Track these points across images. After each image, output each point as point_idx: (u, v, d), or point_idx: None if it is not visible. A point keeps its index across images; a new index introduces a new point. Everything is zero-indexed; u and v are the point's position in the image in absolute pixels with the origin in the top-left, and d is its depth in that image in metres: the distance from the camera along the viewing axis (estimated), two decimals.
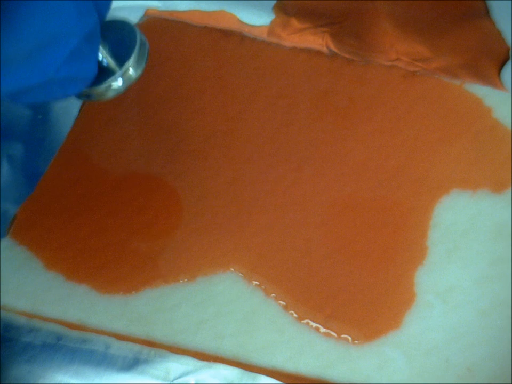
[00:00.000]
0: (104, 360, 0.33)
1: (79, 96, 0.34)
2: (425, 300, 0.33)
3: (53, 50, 0.28)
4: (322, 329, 0.33)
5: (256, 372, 0.32)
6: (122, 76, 0.33)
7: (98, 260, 0.34)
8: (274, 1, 0.41)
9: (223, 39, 0.40)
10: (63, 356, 0.33)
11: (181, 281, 0.34)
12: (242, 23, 0.40)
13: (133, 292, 0.34)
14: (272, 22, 0.40)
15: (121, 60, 0.34)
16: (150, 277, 0.34)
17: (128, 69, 0.33)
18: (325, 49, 0.39)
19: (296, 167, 0.37)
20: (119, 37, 0.34)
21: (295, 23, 0.40)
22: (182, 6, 0.41)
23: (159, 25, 0.40)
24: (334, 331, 0.33)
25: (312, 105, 0.38)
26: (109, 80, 0.33)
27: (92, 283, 0.34)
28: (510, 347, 0.32)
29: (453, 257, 0.34)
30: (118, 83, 0.33)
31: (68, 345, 0.33)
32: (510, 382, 0.31)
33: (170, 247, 0.34)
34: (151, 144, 0.37)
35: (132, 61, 0.34)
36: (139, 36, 0.34)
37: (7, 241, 0.35)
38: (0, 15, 0.27)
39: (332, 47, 0.39)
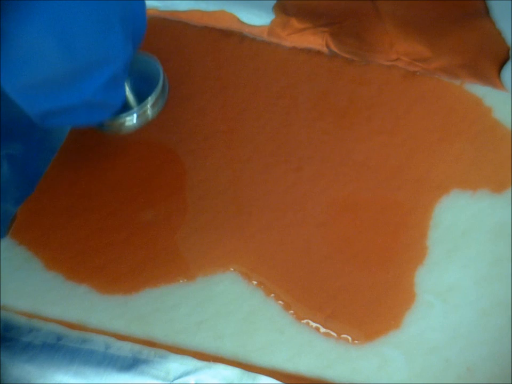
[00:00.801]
0: (104, 360, 0.32)
1: (96, 124, 0.34)
2: (425, 300, 0.33)
3: (97, 72, 0.29)
4: (322, 329, 0.33)
5: (256, 372, 0.32)
6: (138, 114, 0.34)
7: (98, 260, 0.34)
8: (274, 1, 0.41)
9: (223, 39, 0.40)
10: (63, 356, 0.33)
11: (181, 281, 0.34)
12: (242, 23, 0.40)
13: (133, 292, 0.34)
14: (272, 22, 0.40)
15: (140, 96, 0.34)
16: (150, 277, 0.34)
17: (146, 108, 0.34)
18: (325, 49, 0.40)
19: (296, 167, 0.37)
20: (142, 73, 0.34)
21: (295, 23, 0.40)
22: (182, 6, 0.41)
23: (159, 25, 0.40)
24: (334, 331, 0.33)
25: (312, 105, 0.38)
26: (124, 115, 0.34)
27: (92, 283, 0.34)
28: (510, 347, 0.32)
29: (453, 257, 0.34)
30: (133, 120, 0.34)
31: (68, 345, 0.33)
32: (510, 382, 0.31)
33: (170, 247, 0.34)
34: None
35: (150, 100, 0.34)
36: (162, 76, 0.34)
37: (7, 241, 0.35)
38: (52, 34, 0.27)
39: (332, 47, 0.39)
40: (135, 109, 0.34)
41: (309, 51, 0.39)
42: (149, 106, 0.34)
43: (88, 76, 0.29)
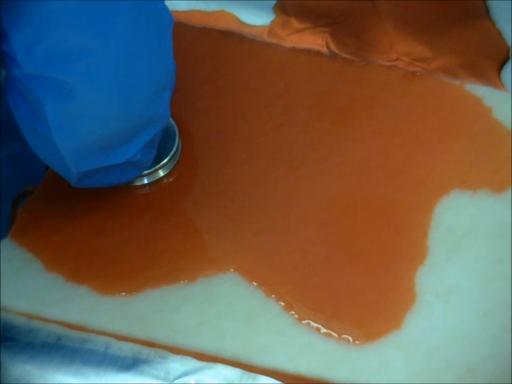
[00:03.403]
0: (104, 360, 0.32)
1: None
2: (426, 300, 0.33)
3: (145, 133, 0.30)
4: (323, 330, 0.33)
5: (257, 373, 0.32)
6: (149, 173, 0.35)
7: (98, 261, 0.34)
8: (274, 1, 0.41)
9: (222, 39, 0.40)
10: (63, 356, 0.33)
11: (182, 282, 0.34)
12: (242, 23, 0.40)
13: (134, 293, 0.33)
14: (272, 22, 0.40)
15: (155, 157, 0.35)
16: (151, 278, 0.34)
17: (157, 171, 0.36)
18: (325, 50, 0.39)
19: (296, 167, 0.37)
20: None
21: (295, 23, 0.40)
22: (182, 6, 0.41)
23: None
24: (334, 331, 0.33)
25: (312, 105, 0.38)
26: None
27: (92, 284, 0.34)
28: (511, 347, 0.32)
29: (454, 257, 0.34)
30: (143, 181, 0.36)
31: (68, 345, 0.33)
32: (510, 382, 0.31)
33: (170, 248, 0.34)
34: None
35: (163, 163, 0.36)
36: (178, 141, 0.36)
37: (7, 243, 0.35)
38: (116, 93, 0.27)
39: (332, 47, 0.39)
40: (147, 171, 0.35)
41: (308, 51, 0.39)
42: (161, 168, 0.36)
43: (137, 136, 0.29)
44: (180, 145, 0.36)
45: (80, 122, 0.28)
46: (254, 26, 0.40)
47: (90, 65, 0.26)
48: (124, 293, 0.33)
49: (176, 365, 0.32)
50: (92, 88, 0.27)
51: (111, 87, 0.27)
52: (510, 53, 0.39)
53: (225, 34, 0.40)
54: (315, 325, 0.33)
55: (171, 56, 0.30)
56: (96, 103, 0.27)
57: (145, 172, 0.35)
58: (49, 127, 0.28)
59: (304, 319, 0.33)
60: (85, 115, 0.28)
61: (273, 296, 0.33)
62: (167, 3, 0.40)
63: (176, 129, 0.36)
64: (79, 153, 0.29)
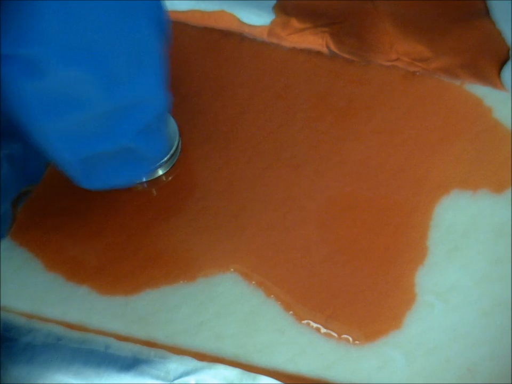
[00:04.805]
0: (104, 360, 0.33)
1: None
2: (426, 300, 0.33)
3: (134, 115, 0.29)
4: (323, 330, 0.33)
5: (257, 373, 0.32)
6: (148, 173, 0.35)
7: (98, 261, 0.34)
8: (274, 1, 0.41)
9: (223, 39, 0.40)
10: (63, 356, 0.33)
11: (181, 282, 0.34)
12: (242, 23, 0.40)
13: (134, 293, 0.34)
14: (272, 22, 0.40)
15: None
16: (151, 278, 0.34)
17: (156, 170, 0.36)
18: (325, 50, 0.40)
19: (296, 167, 0.37)
20: None
21: (295, 23, 0.40)
22: (182, 6, 0.41)
23: None
24: (334, 331, 0.33)
25: (312, 105, 0.38)
26: None
27: (93, 284, 0.34)
28: (510, 347, 0.32)
29: (454, 257, 0.34)
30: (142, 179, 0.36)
31: (68, 345, 0.33)
32: (510, 382, 0.31)
33: (170, 247, 0.34)
34: None
35: (162, 162, 0.35)
36: (178, 140, 0.36)
37: (7, 242, 0.35)
38: (95, 73, 0.27)
39: (332, 47, 0.39)
40: None
41: (309, 51, 0.39)
42: (160, 167, 0.36)
43: (126, 118, 0.29)
44: (180, 144, 0.36)
45: (58, 101, 0.27)
46: (254, 26, 0.40)
47: (61, 42, 0.26)
48: (123, 293, 0.34)
49: (176, 365, 0.32)
50: (64, 63, 0.26)
51: (83, 61, 0.27)
52: (510, 53, 0.39)
53: (226, 34, 0.40)
54: (315, 325, 0.33)
55: (152, 34, 0.29)
56: (70, 79, 0.27)
57: None
58: (30, 109, 0.28)
59: (304, 319, 0.33)
60: (61, 94, 0.27)
61: (272, 296, 0.33)
62: (168, 3, 0.41)
63: (177, 128, 0.36)
64: (67, 138, 0.29)
